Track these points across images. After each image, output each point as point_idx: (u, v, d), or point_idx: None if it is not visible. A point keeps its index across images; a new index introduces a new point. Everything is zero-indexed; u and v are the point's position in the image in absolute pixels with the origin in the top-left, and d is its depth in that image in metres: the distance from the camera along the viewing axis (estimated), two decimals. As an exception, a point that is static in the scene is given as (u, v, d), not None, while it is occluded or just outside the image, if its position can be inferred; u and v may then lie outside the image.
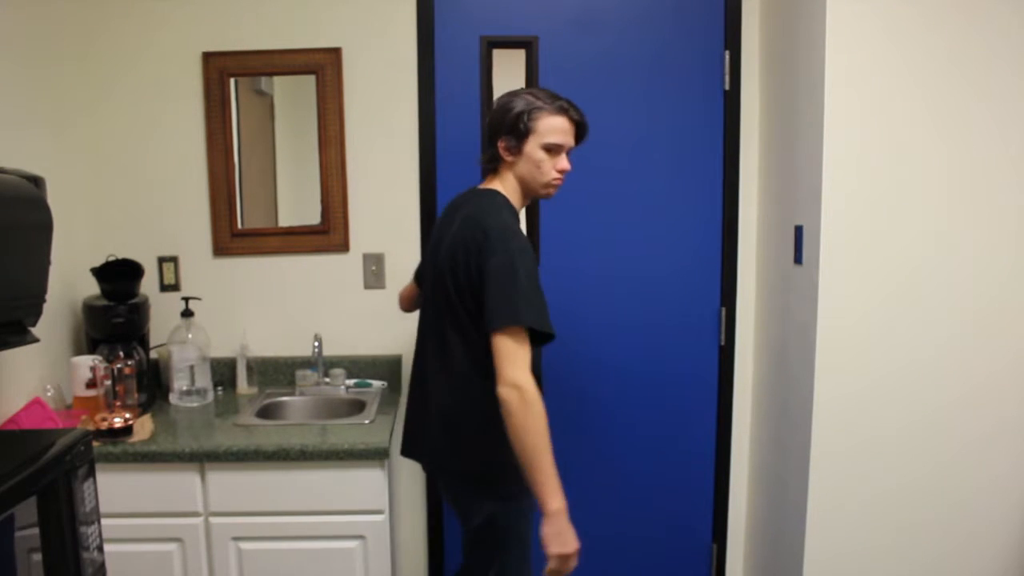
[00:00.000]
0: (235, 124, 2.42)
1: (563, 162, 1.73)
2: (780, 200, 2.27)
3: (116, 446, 1.91)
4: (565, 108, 1.71)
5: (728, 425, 2.54)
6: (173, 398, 2.30)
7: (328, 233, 2.46)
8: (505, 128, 1.71)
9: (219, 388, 2.44)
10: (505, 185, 1.76)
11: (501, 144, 1.72)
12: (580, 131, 1.75)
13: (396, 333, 2.50)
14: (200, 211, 2.44)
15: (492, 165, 1.78)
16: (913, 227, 1.93)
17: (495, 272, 1.59)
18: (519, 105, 1.70)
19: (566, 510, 1.57)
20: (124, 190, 2.43)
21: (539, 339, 1.62)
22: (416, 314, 2.10)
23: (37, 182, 1.65)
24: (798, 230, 2.09)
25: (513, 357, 1.56)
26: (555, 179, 1.74)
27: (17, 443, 1.49)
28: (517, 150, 1.71)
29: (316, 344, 2.38)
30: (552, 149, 1.70)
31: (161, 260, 2.46)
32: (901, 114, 1.90)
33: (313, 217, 2.47)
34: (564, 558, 1.57)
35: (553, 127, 1.70)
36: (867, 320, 1.96)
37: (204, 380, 2.32)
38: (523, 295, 1.57)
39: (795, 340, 2.13)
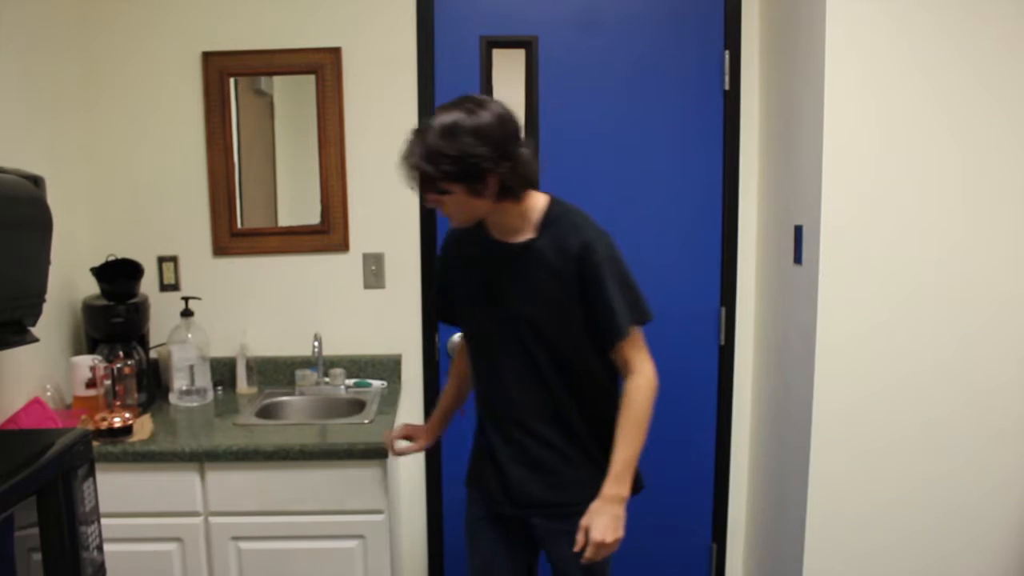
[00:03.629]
0: (235, 124, 2.42)
1: None
2: (780, 200, 2.27)
3: (116, 446, 1.90)
4: None
5: (728, 425, 2.54)
6: (173, 398, 2.30)
7: (328, 233, 2.46)
8: None
9: (219, 388, 2.44)
10: None
11: None
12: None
13: (396, 333, 2.50)
14: (200, 211, 2.44)
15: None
16: (914, 226, 1.93)
17: None
18: None
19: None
20: (124, 190, 2.42)
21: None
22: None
23: (37, 182, 1.65)
24: (798, 230, 2.09)
25: None
26: None
27: (17, 443, 1.49)
28: None
29: (316, 344, 2.38)
30: None
31: (161, 260, 2.46)
32: (902, 113, 1.90)
33: (313, 217, 2.47)
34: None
35: None
36: (867, 320, 1.96)
37: (204, 380, 2.32)
38: None
39: (795, 340, 2.13)
